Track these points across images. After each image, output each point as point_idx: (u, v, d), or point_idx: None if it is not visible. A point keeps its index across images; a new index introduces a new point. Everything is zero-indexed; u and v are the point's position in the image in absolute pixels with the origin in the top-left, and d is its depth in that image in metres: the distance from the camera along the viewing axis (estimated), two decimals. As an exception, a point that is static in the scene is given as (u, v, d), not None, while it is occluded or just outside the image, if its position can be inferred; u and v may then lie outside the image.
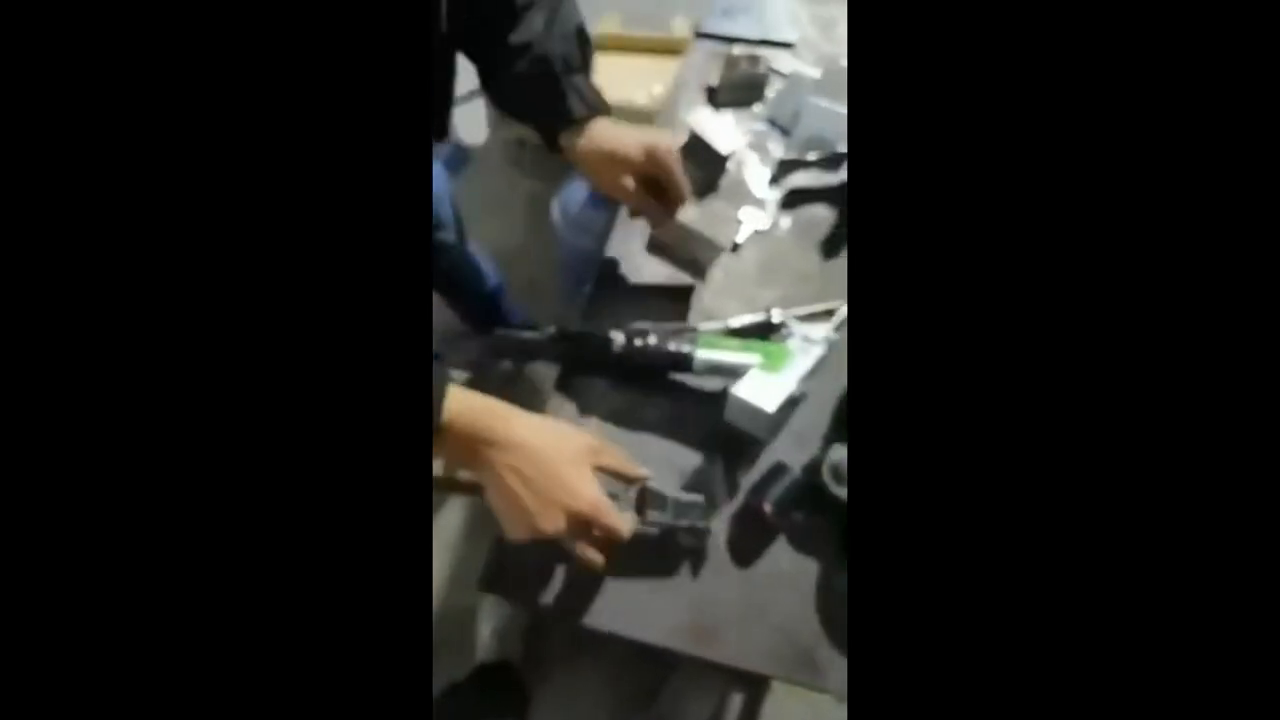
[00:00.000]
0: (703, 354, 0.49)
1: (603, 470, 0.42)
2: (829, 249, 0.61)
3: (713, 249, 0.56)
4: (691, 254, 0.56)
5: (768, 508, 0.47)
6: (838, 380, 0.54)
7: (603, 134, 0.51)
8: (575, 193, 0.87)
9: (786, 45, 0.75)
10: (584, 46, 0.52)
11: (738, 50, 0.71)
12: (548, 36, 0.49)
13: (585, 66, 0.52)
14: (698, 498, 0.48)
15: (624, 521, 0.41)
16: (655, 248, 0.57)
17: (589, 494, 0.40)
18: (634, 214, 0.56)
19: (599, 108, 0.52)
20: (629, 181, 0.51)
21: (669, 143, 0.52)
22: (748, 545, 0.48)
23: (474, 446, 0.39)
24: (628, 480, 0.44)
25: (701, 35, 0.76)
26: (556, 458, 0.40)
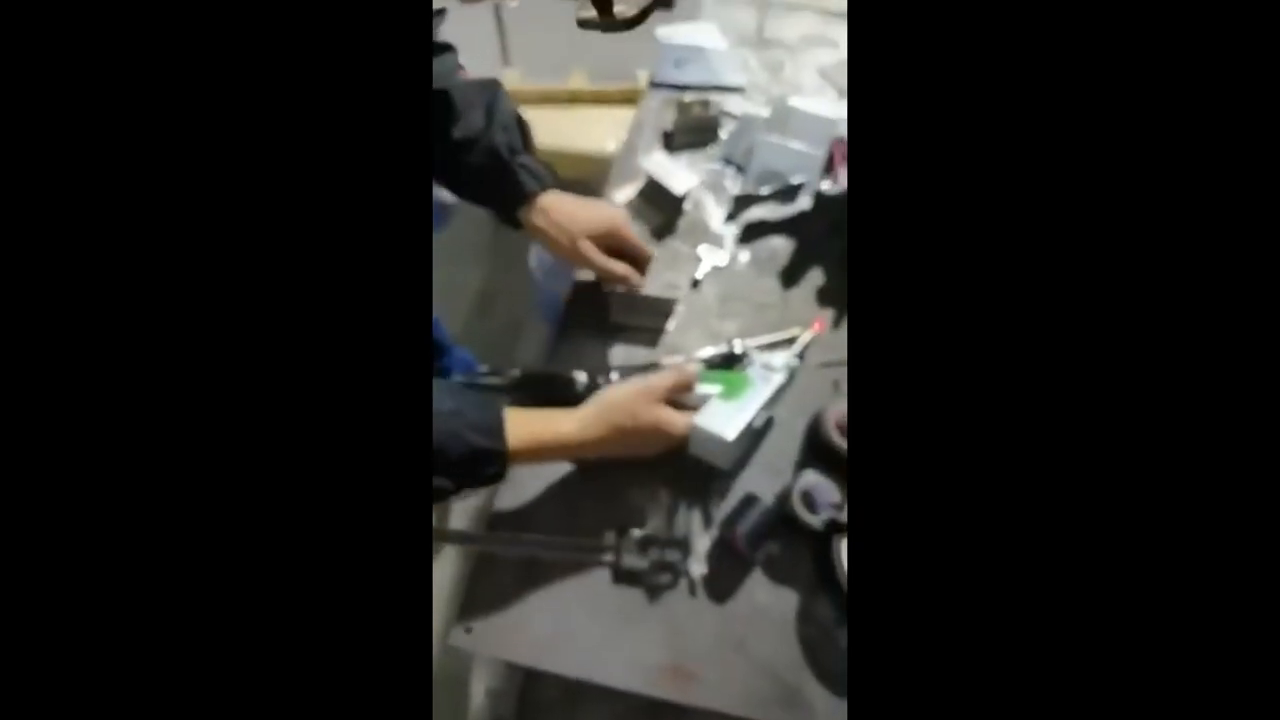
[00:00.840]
0: None
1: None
2: (788, 278, 0.63)
3: (666, 305, 0.59)
4: (648, 315, 0.59)
5: (740, 540, 0.46)
6: (805, 406, 0.54)
7: (558, 209, 0.55)
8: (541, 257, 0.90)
9: (736, 89, 0.79)
10: (524, 131, 0.56)
11: (689, 96, 0.74)
12: (490, 129, 0.54)
13: (529, 148, 0.56)
14: (680, 538, 0.47)
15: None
16: (616, 318, 0.59)
17: (674, 425, 0.47)
18: (601, 280, 0.59)
19: (548, 180, 0.56)
20: (591, 250, 0.55)
21: (622, 216, 0.56)
22: (723, 581, 0.47)
23: (554, 457, 0.48)
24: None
25: (655, 85, 0.80)
26: (628, 421, 0.47)
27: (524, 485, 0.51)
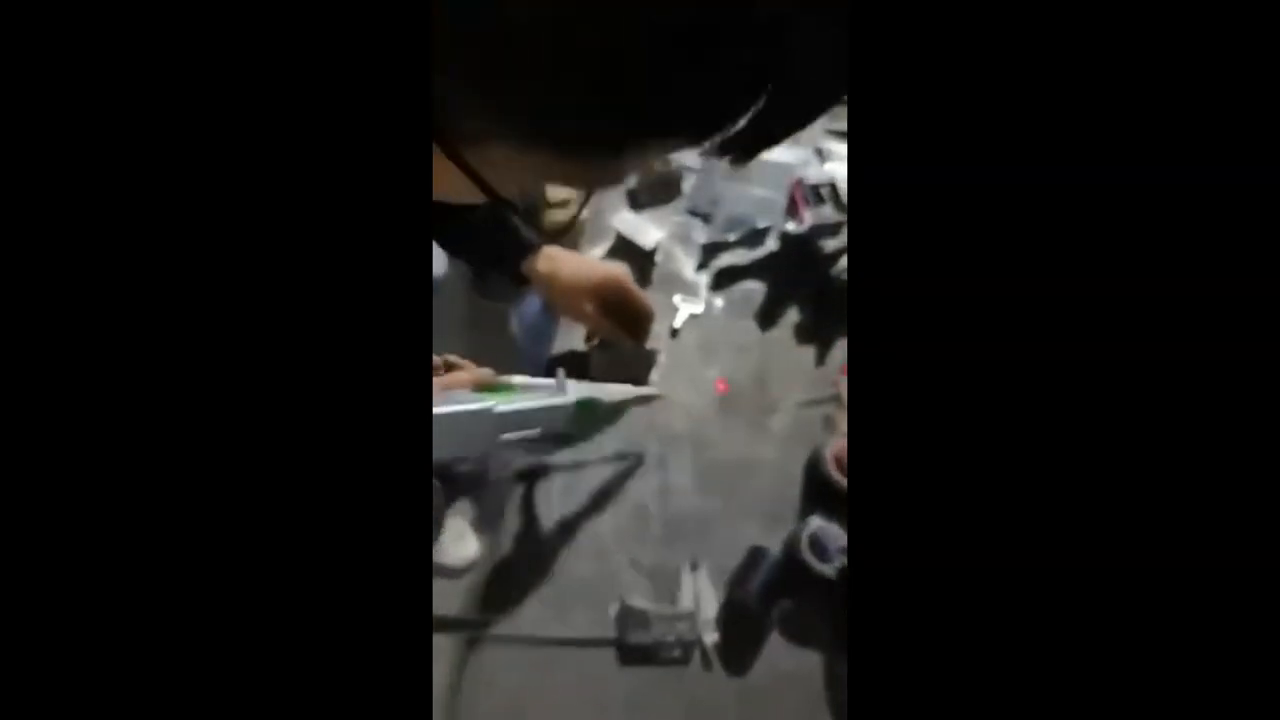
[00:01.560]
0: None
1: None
2: (765, 320, 0.62)
3: (648, 356, 0.58)
4: (630, 368, 0.58)
5: (751, 599, 0.43)
6: (796, 447, 0.52)
7: (563, 260, 0.55)
8: (530, 306, 0.90)
9: (694, 145, 0.82)
10: None
11: (650, 156, 0.76)
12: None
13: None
14: (683, 610, 0.44)
15: None
16: (597, 374, 0.58)
17: None
18: (592, 337, 0.58)
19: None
20: (589, 307, 0.54)
21: (625, 270, 0.56)
22: (739, 647, 0.43)
23: None
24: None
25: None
26: None
27: (514, 564, 0.47)
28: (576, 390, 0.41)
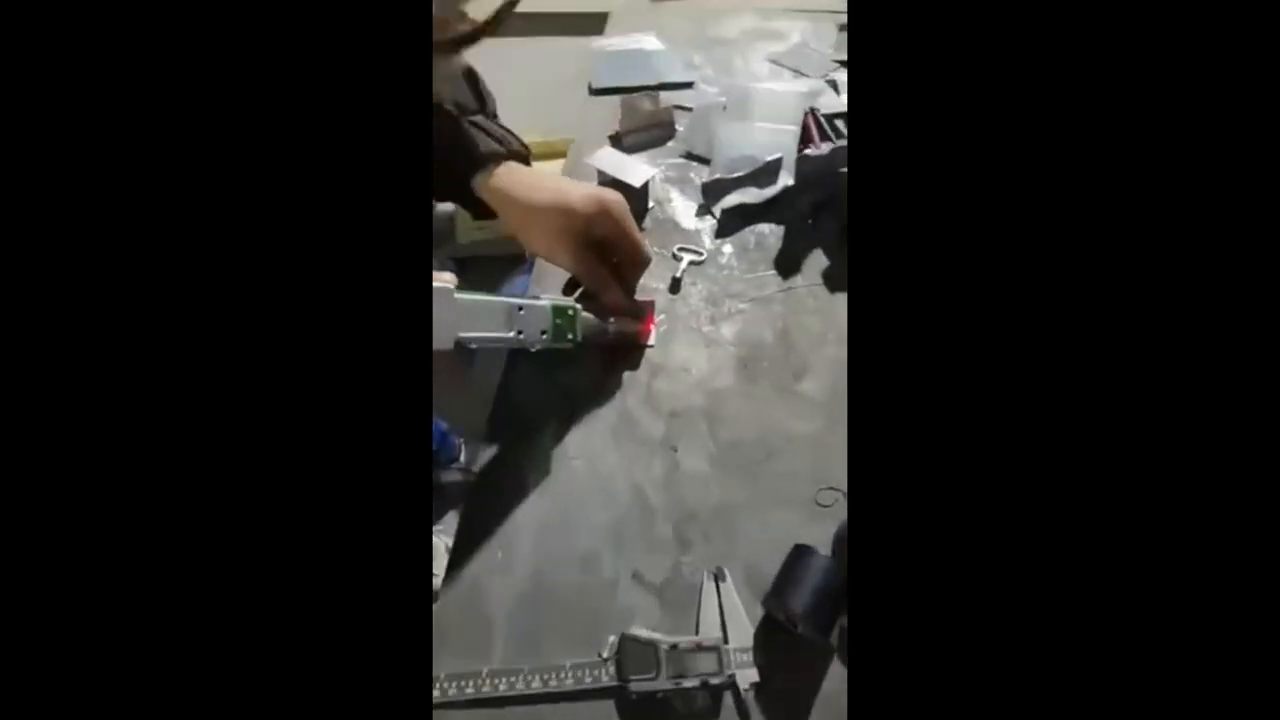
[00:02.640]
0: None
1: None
2: (786, 267, 0.51)
3: (641, 308, 0.46)
4: (623, 337, 0.45)
5: (800, 621, 0.31)
6: (839, 412, 0.40)
7: (529, 179, 0.42)
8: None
9: (685, 85, 0.71)
10: (476, 87, 0.45)
11: (636, 95, 0.65)
12: (436, 87, 0.42)
13: (483, 107, 0.45)
14: (710, 640, 0.31)
15: None
16: (586, 331, 0.46)
17: None
18: (573, 288, 0.46)
19: (511, 144, 0.44)
20: (568, 242, 0.41)
21: (615, 197, 0.41)
22: (787, 688, 0.31)
23: None
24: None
25: (595, 92, 0.72)
26: None
27: (484, 596, 0.35)
28: (552, 299, 0.39)
